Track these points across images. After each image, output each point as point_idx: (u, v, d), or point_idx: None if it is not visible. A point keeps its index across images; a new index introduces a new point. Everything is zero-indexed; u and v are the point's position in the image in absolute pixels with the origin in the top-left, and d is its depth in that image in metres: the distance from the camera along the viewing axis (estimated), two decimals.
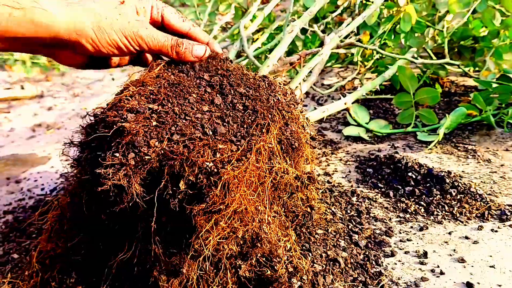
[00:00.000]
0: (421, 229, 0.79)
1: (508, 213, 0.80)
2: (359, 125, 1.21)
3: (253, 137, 0.59)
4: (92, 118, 0.63)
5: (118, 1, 0.63)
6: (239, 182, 0.54)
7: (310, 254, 0.68)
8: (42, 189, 1.11)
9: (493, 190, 0.88)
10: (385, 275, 0.67)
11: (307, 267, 0.61)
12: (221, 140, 0.57)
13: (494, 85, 1.15)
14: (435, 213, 0.83)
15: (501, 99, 1.16)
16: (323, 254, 0.69)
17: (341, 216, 0.82)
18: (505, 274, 0.66)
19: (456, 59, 1.42)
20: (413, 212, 0.84)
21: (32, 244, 0.82)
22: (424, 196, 0.87)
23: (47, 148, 1.42)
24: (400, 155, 1.00)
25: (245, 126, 0.61)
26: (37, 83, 2.28)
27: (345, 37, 1.40)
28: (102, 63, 0.72)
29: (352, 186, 0.96)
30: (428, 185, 0.90)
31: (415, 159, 0.97)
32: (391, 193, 0.90)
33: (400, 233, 0.78)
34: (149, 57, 0.75)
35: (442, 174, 0.90)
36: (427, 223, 0.80)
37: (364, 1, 1.51)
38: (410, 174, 0.93)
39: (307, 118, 0.75)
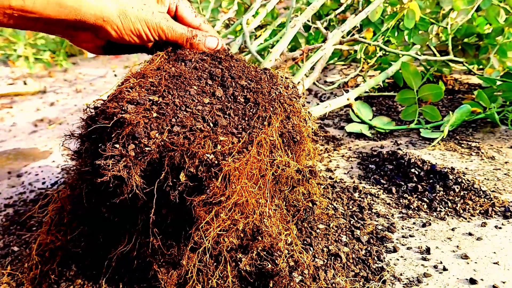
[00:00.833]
0: (423, 225, 0.78)
1: None
2: (362, 121, 1.20)
3: (255, 129, 0.59)
4: (92, 110, 0.62)
5: None
6: (240, 174, 0.53)
7: (312, 248, 0.68)
8: (43, 183, 1.11)
9: (497, 187, 0.87)
10: (387, 271, 0.66)
11: (308, 262, 0.60)
12: (222, 132, 0.56)
13: (498, 83, 1.14)
14: (438, 209, 0.82)
15: (506, 97, 1.15)
16: (325, 249, 0.68)
17: (343, 212, 0.81)
18: (509, 271, 0.65)
19: (460, 56, 1.41)
20: (416, 208, 0.83)
21: (32, 237, 0.82)
22: (427, 192, 0.87)
23: (48, 142, 1.42)
24: (403, 151, 1.00)
25: (246, 118, 0.61)
26: (40, 79, 2.28)
27: (348, 34, 1.39)
28: (118, 49, 0.72)
29: (354, 182, 0.95)
30: (431, 181, 0.89)
31: (418, 156, 0.96)
32: (394, 189, 0.90)
33: (403, 229, 0.78)
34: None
35: (446, 170, 0.89)
36: (430, 219, 0.79)
37: None
38: (413, 170, 0.92)
39: (309, 112, 0.75)
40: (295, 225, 0.70)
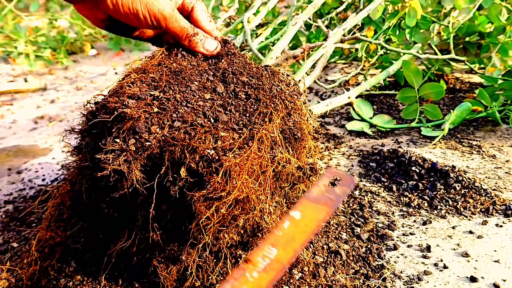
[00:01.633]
0: (424, 223, 0.78)
1: None
2: (362, 120, 1.20)
3: (255, 125, 0.58)
4: (93, 105, 0.62)
5: None
6: (240, 170, 0.53)
7: (312, 245, 0.67)
8: (43, 179, 1.11)
9: (498, 186, 0.87)
10: (388, 268, 0.66)
11: (308, 259, 0.60)
12: (223, 128, 0.56)
13: (500, 81, 1.14)
14: (439, 207, 0.82)
15: (507, 95, 1.14)
16: (325, 246, 0.68)
17: (343, 209, 0.81)
18: (510, 269, 0.65)
19: (461, 55, 1.40)
20: (417, 206, 0.83)
21: (31, 233, 0.81)
22: (427, 190, 0.86)
23: (49, 139, 1.42)
24: (404, 150, 0.99)
25: (247, 114, 0.60)
26: (41, 77, 2.27)
27: (349, 32, 1.39)
28: (122, 29, 0.71)
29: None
30: (432, 179, 0.89)
31: (419, 154, 0.96)
32: (394, 187, 0.89)
33: (403, 227, 0.77)
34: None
35: (446, 168, 0.89)
36: (430, 217, 0.79)
37: None
38: (413, 168, 0.92)
39: (310, 110, 0.74)
40: None
